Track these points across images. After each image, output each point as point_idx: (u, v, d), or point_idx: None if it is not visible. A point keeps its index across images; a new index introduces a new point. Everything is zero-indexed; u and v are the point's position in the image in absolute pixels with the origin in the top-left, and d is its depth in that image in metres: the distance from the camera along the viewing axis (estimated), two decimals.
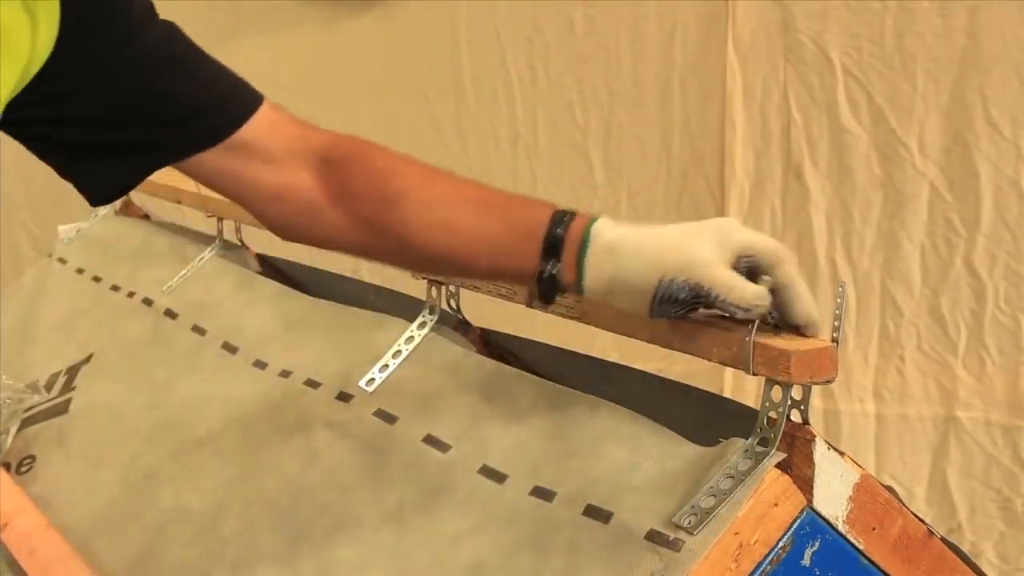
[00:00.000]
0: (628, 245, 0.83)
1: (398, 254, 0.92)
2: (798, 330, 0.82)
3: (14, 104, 0.81)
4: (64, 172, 0.91)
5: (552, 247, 0.85)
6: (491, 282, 1.00)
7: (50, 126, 0.86)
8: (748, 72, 2.03)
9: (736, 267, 0.81)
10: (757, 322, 0.80)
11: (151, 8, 0.88)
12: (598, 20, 2.17)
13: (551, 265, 0.85)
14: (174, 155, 0.89)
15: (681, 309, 0.82)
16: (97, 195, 0.92)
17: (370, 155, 0.92)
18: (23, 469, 1.28)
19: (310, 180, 0.91)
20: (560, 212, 0.86)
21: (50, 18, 0.80)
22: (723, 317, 0.82)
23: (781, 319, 0.82)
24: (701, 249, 0.81)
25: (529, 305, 0.99)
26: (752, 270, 0.82)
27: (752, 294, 0.79)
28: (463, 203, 0.90)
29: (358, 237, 0.91)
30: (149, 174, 0.91)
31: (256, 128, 0.90)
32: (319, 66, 2.43)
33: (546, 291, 0.86)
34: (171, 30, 0.88)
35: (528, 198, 0.90)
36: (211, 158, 0.89)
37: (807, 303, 0.82)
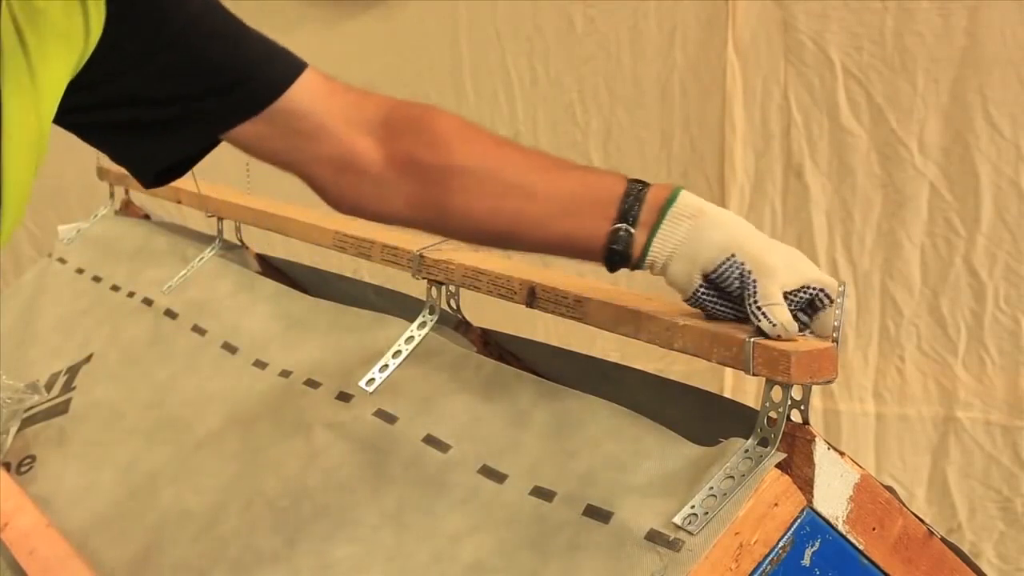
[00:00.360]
0: (715, 214, 0.84)
1: (463, 221, 0.89)
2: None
3: (68, 89, 0.80)
4: (119, 156, 0.90)
5: (630, 208, 0.84)
6: (553, 253, 0.93)
7: (100, 111, 0.85)
8: (748, 72, 2.03)
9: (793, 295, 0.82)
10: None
11: None
12: (598, 20, 2.17)
13: (625, 228, 0.83)
14: (221, 125, 0.87)
15: (719, 302, 0.83)
16: (150, 175, 0.91)
17: (434, 119, 0.89)
18: (23, 469, 1.28)
19: (370, 147, 0.88)
20: (635, 180, 0.86)
21: (99, 2, 0.79)
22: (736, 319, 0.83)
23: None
24: (777, 253, 0.83)
25: (529, 305, 0.99)
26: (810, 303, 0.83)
27: (787, 320, 0.80)
28: (536, 168, 0.88)
29: (424, 208, 0.89)
30: (199, 151, 0.89)
31: (302, 95, 0.87)
32: (319, 66, 2.42)
33: (615, 254, 0.84)
34: (210, 1, 0.87)
35: (600, 169, 0.90)
36: (261, 128, 0.87)
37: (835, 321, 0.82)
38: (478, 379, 1.01)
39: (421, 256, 1.10)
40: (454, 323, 1.10)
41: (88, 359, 1.40)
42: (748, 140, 2.06)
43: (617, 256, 0.84)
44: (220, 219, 1.48)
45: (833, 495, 0.79)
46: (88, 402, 1.33)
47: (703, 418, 0.89)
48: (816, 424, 0.80)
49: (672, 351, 0.86)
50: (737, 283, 0.81)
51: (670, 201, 0.84)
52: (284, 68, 0.88)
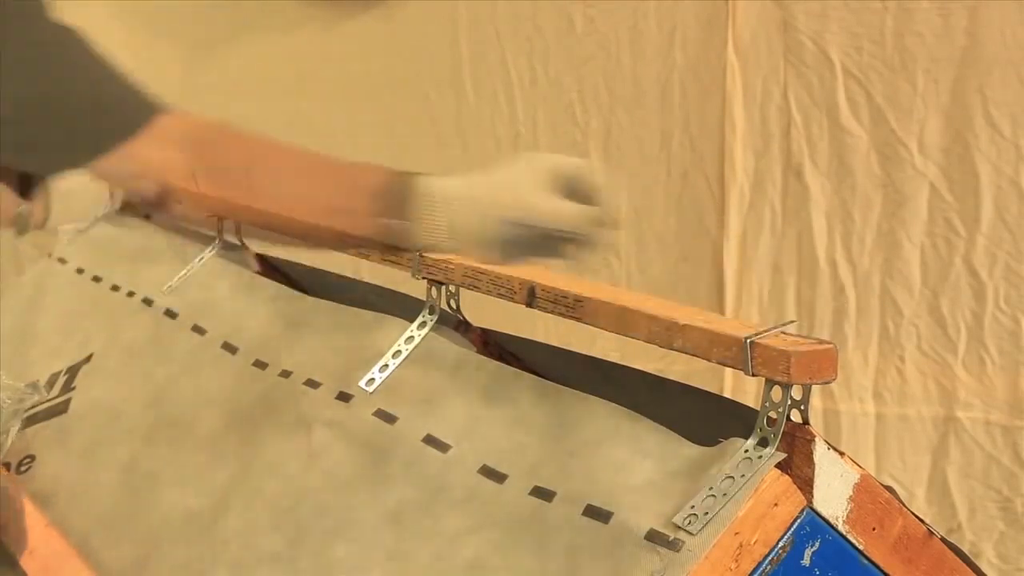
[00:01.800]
0: (458, 191, 0.86)
1: (249, 216, 0.97)
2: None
3: None
4: None
5: (388, 203, 0.88)
6: (345, 249, 1.06)
7: None
8: (748, 72, 2.03)
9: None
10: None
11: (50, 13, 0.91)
12: (598, 20, 2.17)
13: (388, 220, 0.88)
14: (63, 166, 0.91)
15: (528, 252, 0.85)
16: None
17: (228, 132, 0.97)
18: (23, 468, 1.28)
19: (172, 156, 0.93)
20: (396, 172, 0.90)
21: None
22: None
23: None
24: (523, 184, 0.85)
25: (528, 305, 0.99)
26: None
27: (569, 214, 0.83)
28: (303, 170, 0.94)
29: (212, 205, 0.96)
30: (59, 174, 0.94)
31: (148, 140, 0.92)
32: (319, 66, 2.43)
33: (388, 246, 0.90)
34: (72, 34, 0.91)
35: (366, 163, 0.93)
36: (99, 166, 0.91)
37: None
38: (478, 379, 1.01)
39: (421, 256, 1.10)
40: (454, 323, 1.10)
41: (88, 359, 1.40)
42: (748, 140, 2.05)
43: (392, 249, 0.92)
44: (220, 219, 1.48)
45: (833, 495, 0.79)
46: (88, 402, 1.33)
47: (703, 418, 0.89)
48: (816, 424, 0.80)
49: (672, 351, 0.86)
50: (523, 230, 0.84)
51: (416, 187, 0.88)
52: (147, 105, 0.93)
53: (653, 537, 0.76)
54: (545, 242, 0.84)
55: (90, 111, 0.92)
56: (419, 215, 0.87)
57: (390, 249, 0.93)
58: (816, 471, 0.78)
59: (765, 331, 0.80)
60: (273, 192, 0.93)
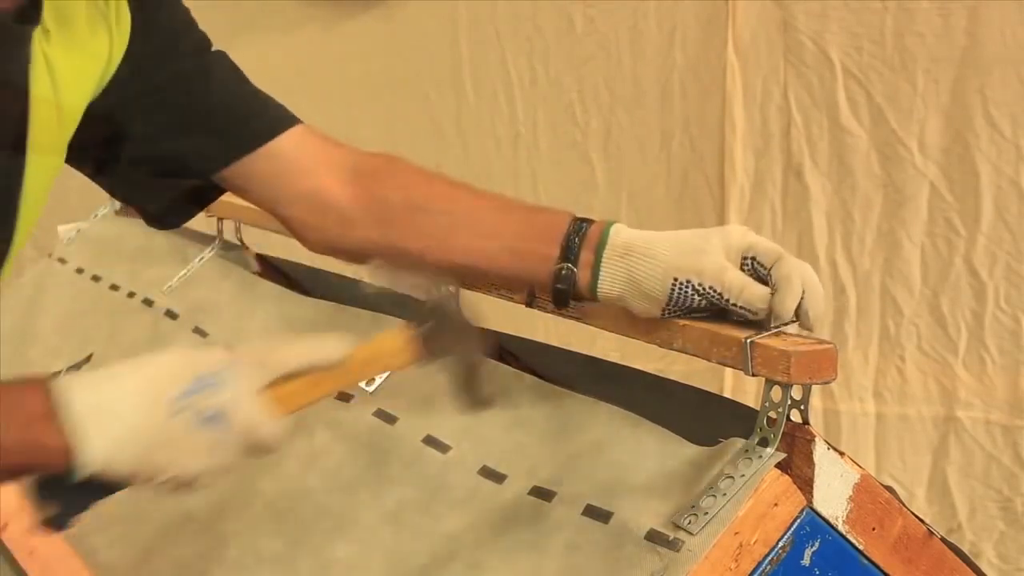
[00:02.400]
0: (641, 246, 0.84)
1: (420, 257, 0.95)
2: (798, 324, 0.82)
3: (83, 122, 0.88)
4: (127, 195, 1.01)
5: (570, 248, 0.87)
6: (506, 287, 1.01)
7: (107, 147, 0.93)
8: (748, 72, 2.03)
9: (742, 268, 0.83)
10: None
11: (204, 34, 0.97)
12: (598, 20, 2.17)
13: (567, 267, 0.87)
14: (215, 163, 0.95)
15: (693, 314, 0.83)
16: (154, 214, 1.00)
17: (399, 166, 0.98)
18: None
19: (340, 188, 0.96)
20: (579, 218, 0.88)
21: (123, 27, 0.89)
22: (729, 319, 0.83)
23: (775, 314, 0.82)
24: (712, 252, 0.83)
25: (528, 305, 0.99)
26: (757, 272, 0.83)
27: (759, 296, 0.80)
28: (486, 208, 0.94)
29: (385, 242, 0.95)
30: (198, 191, 0.98)
31: (290, 140, 0.96)
32: (319, 66, 2.43)
33: (560, 293, 0.88)
34: (222, 53, 0.97)
35: (547, 207, 0.93)
36: (250, 169, 0.95)
37: (797, 297, 0.82)
38: None
39: None
40: None
41: (88, 359, 1.40)
42: (748, 140, 2.05)
43: (563, 294, 0.88)
44: (220, 219, 1.48)
45: (833, 495, 0.79)
46: None
47: (703, 418, 0.89)
48: (816, 424, 0.80)
49: (672, 351, 0.86)
50: (696, 297, 0.82)
51: (604, 237, 0.86)
52: (278, 116, 0.97)
53: (653, 537, 0.76)
54: (715, 309, 0.83)
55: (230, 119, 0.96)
56: (602, 265, 0.85)
57: (554, 296, 0.89)
58: (816, 471, 0.78)
59: (765, 331, 0.80)
60: (458, 224, 0.93)
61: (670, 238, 0.85)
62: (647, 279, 0.83)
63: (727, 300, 0.81)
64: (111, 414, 0.71)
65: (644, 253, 0.84)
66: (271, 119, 0.97)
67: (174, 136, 0.94)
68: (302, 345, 0.78)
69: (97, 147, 0.92)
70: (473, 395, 0.83)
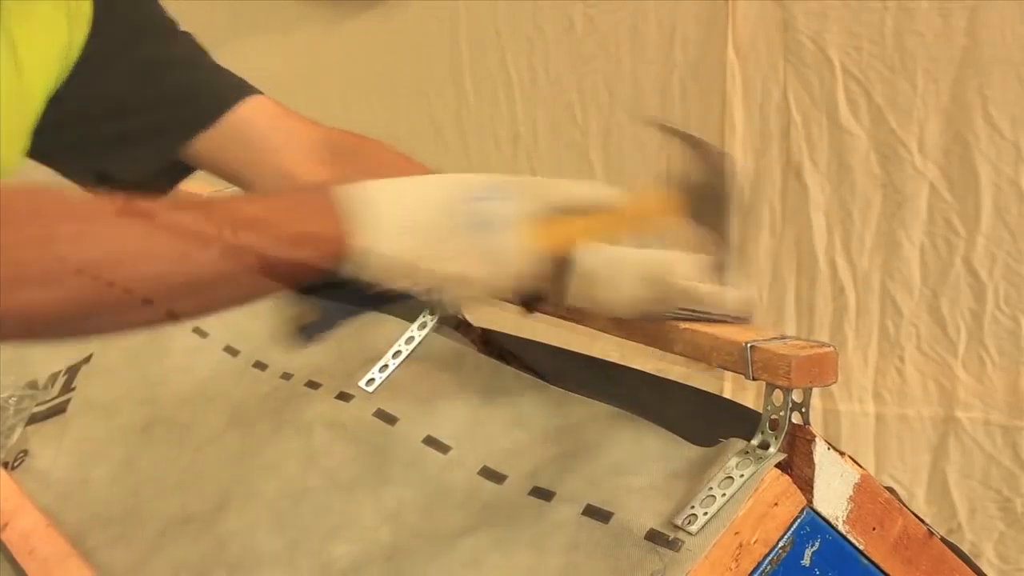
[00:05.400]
0: (604, 273, 0.84)
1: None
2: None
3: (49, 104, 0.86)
4: (89, 176, 0.97)
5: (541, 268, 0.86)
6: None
7: (71, 129, 0.92)
8: (748, 72, 2.03)
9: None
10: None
11: (169, 16, 0.97)
12: (598, 20, 2.17)
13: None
14: (178, 137, 0.94)
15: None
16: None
17: (374, 148, 0.97)
18: (15, 464, 1.28)
19: (313, 165, 0.94)
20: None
21: (83, 14, 0.88)
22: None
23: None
24: (680, 271, 0.83)
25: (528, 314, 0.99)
26: None
27: (735, 302, 0.82)
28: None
29: None
30: (164, 170, 0.96)
31: (252, 114, 0.95)
32: (319, 66, 2.43)
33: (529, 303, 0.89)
34: (187, 35, 0.97)
35: None
36: (215, 142, 0.94)
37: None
38: (478, 379, 1.01)
39: None
40: (454, 323, 1.10)
41: (88, 359, 1.40)
42: (748, 140, 2.05)
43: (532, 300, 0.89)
44: None
45: (833, 495, 0.79)
46: (88, 402, 1.33)
47: (703, 418, 0.89)
48: (816, 424, 0.80)
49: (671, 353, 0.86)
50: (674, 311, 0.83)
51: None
52: (235, 88, 0.97)
53: (653, 537, 0.76)
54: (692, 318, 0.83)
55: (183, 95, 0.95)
56: (572, 280, 0.84)
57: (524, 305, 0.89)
58: (816, 471, 0.78)
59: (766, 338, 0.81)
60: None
61: (633, 262, 0.85)
62: (614, 307, 0.85)
63: (708, 313, 0.82)
64: (396, 203, 0.70)
65: (605, 281, 0.84)
66: (227, 89, 0.96)
67: (135, 115, 0.93)
68: (585, 184, 0.77)
69: (61, 132, 0.92)
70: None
